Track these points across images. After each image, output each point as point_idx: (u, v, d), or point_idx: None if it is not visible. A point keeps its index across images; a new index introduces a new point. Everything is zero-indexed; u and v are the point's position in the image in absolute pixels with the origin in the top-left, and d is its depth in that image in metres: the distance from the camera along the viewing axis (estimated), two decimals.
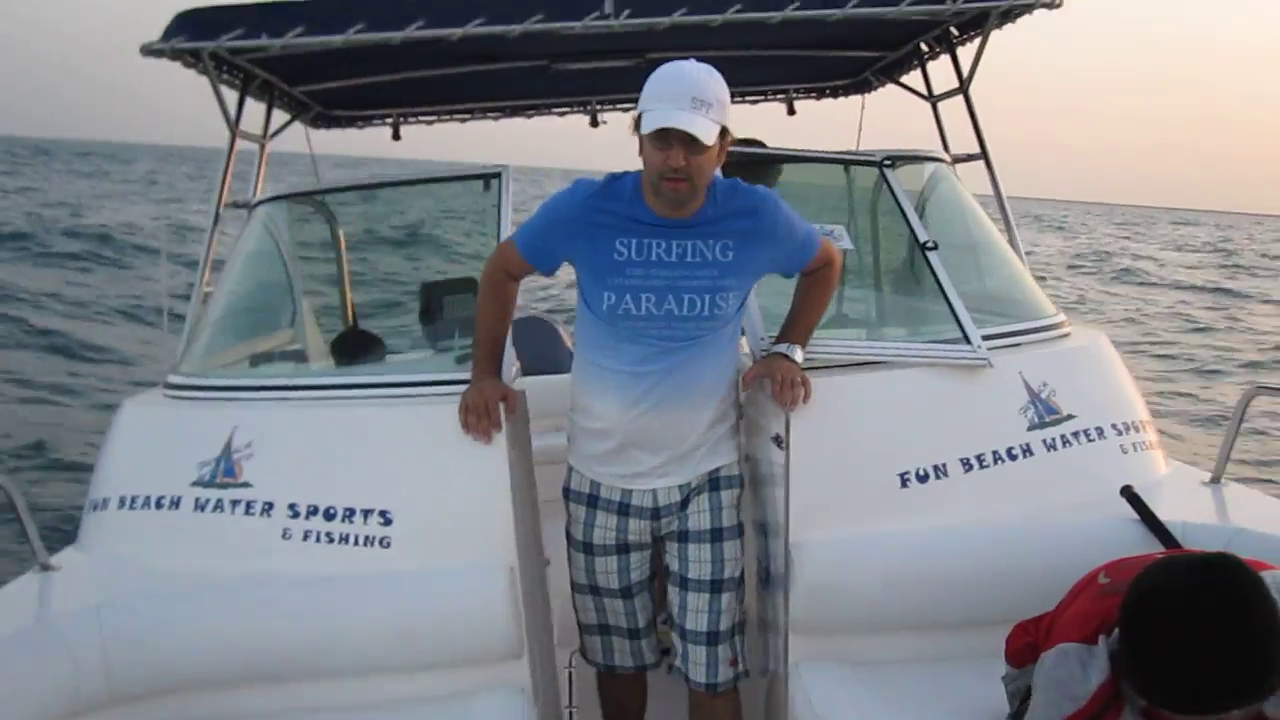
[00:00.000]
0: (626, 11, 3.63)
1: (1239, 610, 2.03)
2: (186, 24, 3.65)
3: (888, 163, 3.93)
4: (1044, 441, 3.35)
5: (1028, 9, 3.89)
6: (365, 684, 3.08)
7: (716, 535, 3.10)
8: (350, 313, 5.19)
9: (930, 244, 3.66)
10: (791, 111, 6.05)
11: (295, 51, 3.70)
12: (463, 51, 3.90)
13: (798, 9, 3.65)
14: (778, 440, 2.90)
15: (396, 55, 3.84)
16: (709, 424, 3.06)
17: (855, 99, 5.87)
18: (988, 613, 3.01)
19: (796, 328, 3.19)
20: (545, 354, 5.85)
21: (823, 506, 3.09)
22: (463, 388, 3.27)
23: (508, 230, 3.52)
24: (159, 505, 3.28)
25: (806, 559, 3.04)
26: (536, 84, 5.31)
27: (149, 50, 3.67)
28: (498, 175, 3.73)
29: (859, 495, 3.19)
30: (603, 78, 5.09)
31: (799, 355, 3.12)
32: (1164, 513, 3.15)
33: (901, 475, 3.22)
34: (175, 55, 3.71)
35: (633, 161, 2.91)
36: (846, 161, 4.16)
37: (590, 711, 3.59)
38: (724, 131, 2.81)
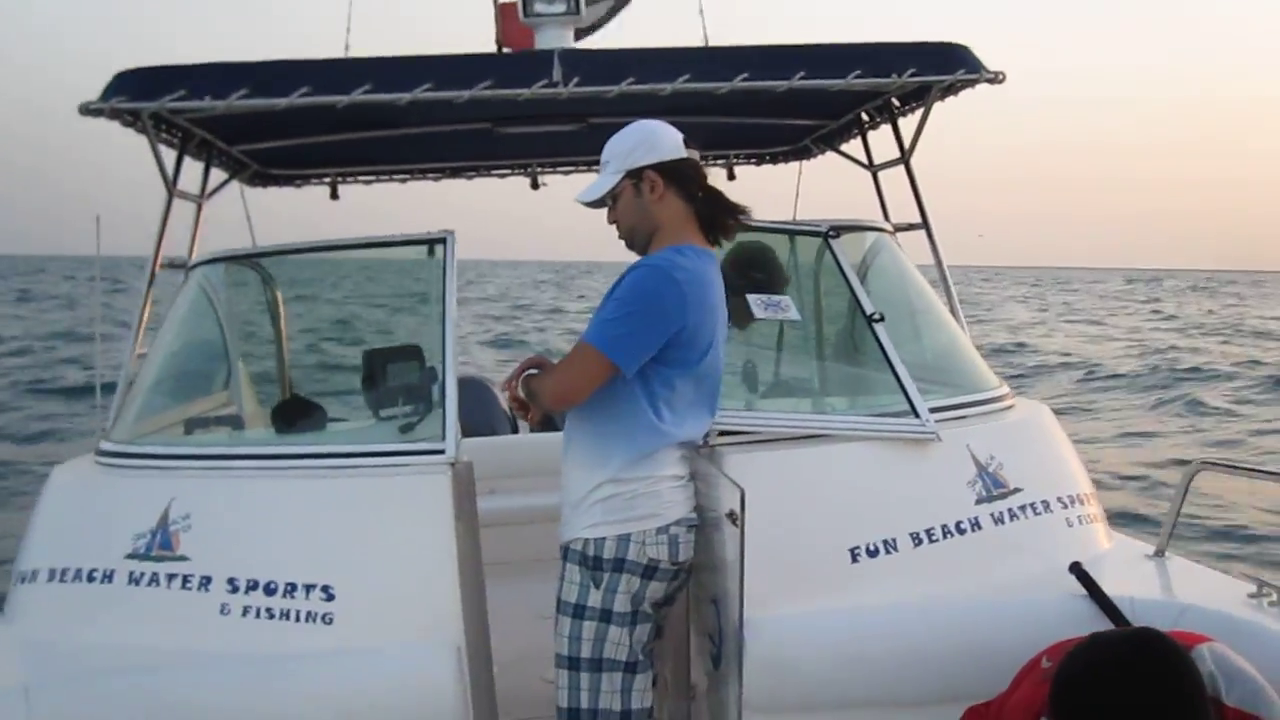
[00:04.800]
0: (575, 79, 3.63)
1: (1161, 686, 2.10)
2: (126, 83, 3.57)
3: (833, 233, 3.95)
4: (992, 515, 3.37)
5: (969, 84, 3.93)
6: None
7: (557, 606, 2.97)
8: (286, 379, 5.08)
9: (877, 316, 3.67)
10: (731, 177, 6.06)
11: (238, 112, 3.63)
12: (406, 114, 3.86)
13: (746, 79, 3.67)
14: (731, 517, 2.87)
15: (339, 116, 3.80)
16: (575, 486, 2.99)
17: (793, 166, 5.92)
18: (940, 690, 3.00)
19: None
20: (482, 416, 5.78)
21: (775, 582, 3.06)
22: (407, 459, 3.21)
23: (453, 295, 3.48)
24: (90, 578, 3.17)
25: (760, 636, 3.00)
26: (478, 146, 5.28)
27: (88, 110, 3.58)
28: (443, 240, 3.64)
29: (811, 570, 3.17)
30: (545, 141, 5.08)
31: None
32: (1111, 588, 3.17)
33: (852, 550, 3.21)
34: (114, 115, 3.62)
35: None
36: (792, 231, 4.16)
37: None
38: (634, 173, 2.95)
